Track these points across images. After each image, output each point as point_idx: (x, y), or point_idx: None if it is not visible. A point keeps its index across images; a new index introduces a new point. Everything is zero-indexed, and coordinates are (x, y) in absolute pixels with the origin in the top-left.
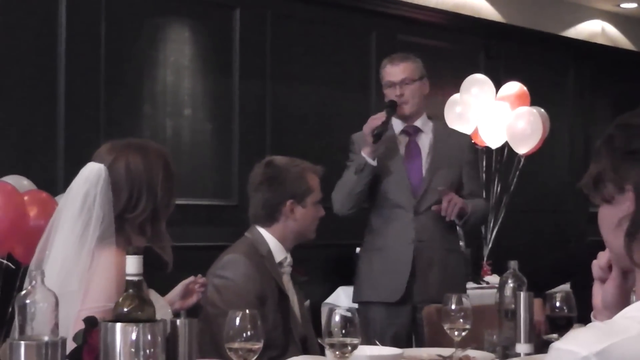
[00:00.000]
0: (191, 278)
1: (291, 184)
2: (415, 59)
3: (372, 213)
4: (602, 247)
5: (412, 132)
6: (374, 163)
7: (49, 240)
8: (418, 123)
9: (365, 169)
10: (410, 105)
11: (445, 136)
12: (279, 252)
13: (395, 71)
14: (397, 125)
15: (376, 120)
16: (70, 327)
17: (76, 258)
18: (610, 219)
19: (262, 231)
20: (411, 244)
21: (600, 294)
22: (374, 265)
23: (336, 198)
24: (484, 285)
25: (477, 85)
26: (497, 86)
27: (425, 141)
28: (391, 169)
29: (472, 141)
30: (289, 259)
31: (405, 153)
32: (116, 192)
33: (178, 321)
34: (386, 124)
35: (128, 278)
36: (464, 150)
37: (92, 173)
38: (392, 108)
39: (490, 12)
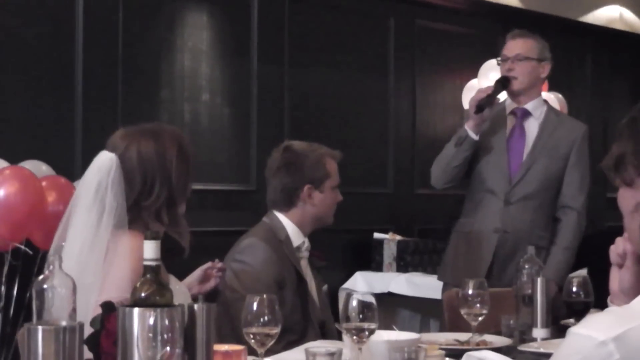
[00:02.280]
0: (209, 263)
1: (309, 169)
2: (539, 39)
3: (467, 195)
4: (619, 232)
5: (520, 115)
6: (475, 137)
7: (66, 229)
8: (529, 106)
9: (465, 142)
10: (519, 82)
11: (555, 124)
12: (296, 237)
13: (511, 45)
14: (509, 105)
15: (482, 92)
16: (89, 316)
17: (91, 249)
18: (629, 202)
19: (280, 216)
20: (495, 233)
21: (617, 279)
22: (459, 248)
23: (433, 170)
24: None
25: (495, 70)
26: None
27: (533, 126)
28: (492, 149)
29: (588, 133)
30: (307, 244)
31: (509, 135)
32: (129, 180)
33: (196, 306)
34: (492, 97)
35: (146, 263)
36: (573, 143)
37: (104, 163)
38: (502, 83)
39: None
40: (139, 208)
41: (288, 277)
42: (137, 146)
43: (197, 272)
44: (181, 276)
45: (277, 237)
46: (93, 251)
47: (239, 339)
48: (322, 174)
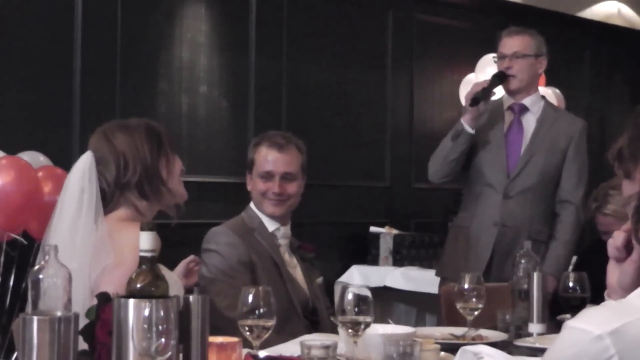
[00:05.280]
0: (191, 257)
1: (247, 157)
2: (535, 34)
3: (465, 190)
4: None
5: (517, 110)
6: (471, 131)
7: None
8: (526, 101)
9: (462, 136)
10: (517, 80)
11: (553, 119)
12: (270, 224)
13: (508, 43)
14: (506, 101)
15: (478, 85)
16: (85, 302)
17: (77, 234)
18: (626, 193)
19: (252, 206)
20: (494, 227)
21: (615, 273)
22: (459, 243)
23: (430, 164)
24: None
25: (493, 65)
26: None
27: (531, 121)
28: (490, 143)
29: (586, 129)
30: (283, 231)
31: (507, 130)
32: (104, 165)
33: (191, 297)
34: (487, 90)
35: (142, 254)
36: (571, 138)
37: (82, 160)
38: (499, 78)
39: None
40: (122, 187)
41: (259, 261)
42: (104, 136)
43: (181, 266)
44: (173, 267)
45: (247, 226)
46: (80, 237)
47: (215, 324)
48: (249, 160)
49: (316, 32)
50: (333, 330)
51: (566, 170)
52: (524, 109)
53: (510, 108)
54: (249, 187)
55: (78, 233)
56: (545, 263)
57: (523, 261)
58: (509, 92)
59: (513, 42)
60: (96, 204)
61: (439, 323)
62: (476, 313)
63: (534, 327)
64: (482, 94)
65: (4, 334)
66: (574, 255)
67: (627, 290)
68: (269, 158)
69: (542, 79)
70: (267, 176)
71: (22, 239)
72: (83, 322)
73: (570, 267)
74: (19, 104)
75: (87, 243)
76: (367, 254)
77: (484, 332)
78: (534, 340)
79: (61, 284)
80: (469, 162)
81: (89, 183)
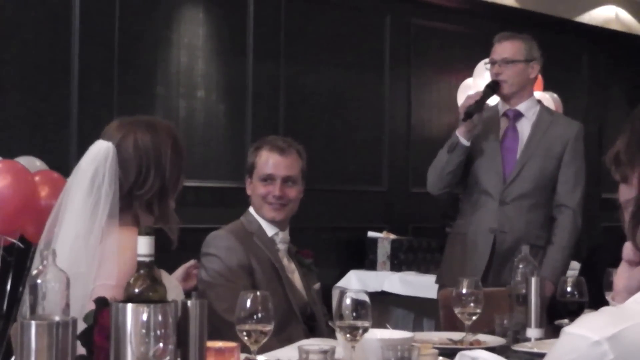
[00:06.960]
0: (192, 261)
1: (247, 161)
2: (526, 39)
3: (462, 197)
4: (615, 232)
5: (512, 116)
6: (466, 143)
7: (57, 218)
8: (521, 107)
9: (457, 149)
10: (508, 85)
11: (549, 123)
12: (269, 229)
13: (498, 49)
14: (501, 107)
15: (470, 99)
16: (84, 306)
17: (86, 237)
18: (624, 197)
19: (252, 210)
20: (491, 233)
21: (624, 276)
22: (456, 250)
23: (429, 176)
24: None
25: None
26: None
27: (526, 127)
28: (485, 151)
29: (582, 132)
30: (282, 236)
31: (503, 137)
32: (125, 169)
33: (189, 302)
34: (480, 103)
35: (140, 259)
36: (567, 142)
37: (101, 151)
38: (491, 88)
39: None
40: (131, 197)
41: (258, 265)
42: (133, 136)
43: (180, 270)
44: (171, 273)
45: (246, 230)
46: (88, 240)
47: (214, 327)
48: (250, 163)
49: (314, 37)
50: (330, 335)
51: (562, 174)
52: (519, 115)
53: (505, 114)
54: (248, 192)
55: (92, 235)
56: (543, 268)
57: (521, 266)
58: (503, 97)
59: (503, 48)
60: (111, 206)
61: (437, 328)
62: (474, 318)
63: (532, 332)
64: (475, 107)
65: (2, 339)
66: (574, 260)
67: (633, 294)
68: (271, 161)
69: (540, 83)
70: (268, 179)
71: (19, 243)
72: (82, 326)
73: (575, 272)
74: (16, 108)
75: (97, 247)
76: (365, 259)
77: (481, 336)
78: (532, 345)
79: (59, 288)
80: (466, 170)
81: (108, 180)
